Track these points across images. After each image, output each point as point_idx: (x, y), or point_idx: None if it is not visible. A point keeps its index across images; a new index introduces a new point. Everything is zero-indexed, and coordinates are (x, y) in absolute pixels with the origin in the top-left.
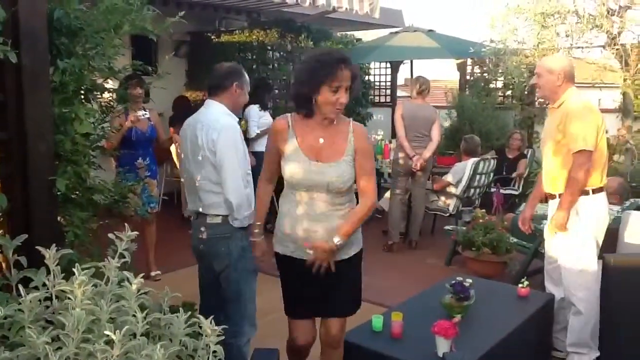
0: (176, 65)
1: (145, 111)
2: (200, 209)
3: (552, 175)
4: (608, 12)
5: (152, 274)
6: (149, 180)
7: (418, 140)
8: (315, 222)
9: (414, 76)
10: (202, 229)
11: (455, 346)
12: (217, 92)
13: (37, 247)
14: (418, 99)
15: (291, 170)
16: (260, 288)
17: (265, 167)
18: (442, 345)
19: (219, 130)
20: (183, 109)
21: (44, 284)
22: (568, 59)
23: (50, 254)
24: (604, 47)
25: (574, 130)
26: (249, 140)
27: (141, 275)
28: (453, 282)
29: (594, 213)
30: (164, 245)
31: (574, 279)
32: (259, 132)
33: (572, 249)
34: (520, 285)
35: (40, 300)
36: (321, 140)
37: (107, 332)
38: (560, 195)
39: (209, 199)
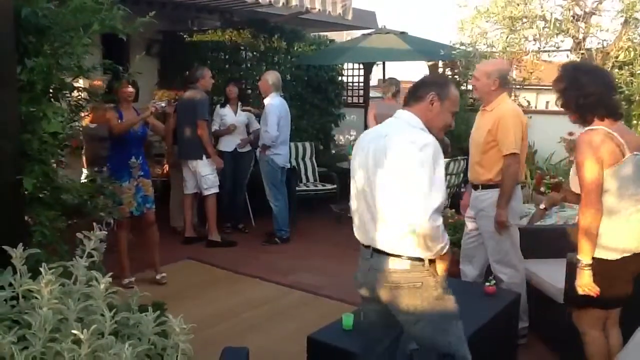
0: (148, 65)
1: (165, 103)
2: None
3: (477, 170)
4: (574, 17)
5: (158, 277)
6: (143, 180)
7: None
8: None
9: (387, 78)
10: None
11: None
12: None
13: (3, 246)
14: (392, 100)
15: None
16: (234, 286)
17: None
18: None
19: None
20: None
21: (10, 284)
22: (505, 65)
23: (17, 254)
24: (570, 51)
25: (506, 135)
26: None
27: (120, 278)
28: None
29: (515, 203)
30: (139, 245)
31: (497, 257)
32: (215, 129)
33: (501, 234)
34: (487, 283)
35: (6, 300)
36: None
37: (74, 331)
38: (482, 186)
39: None
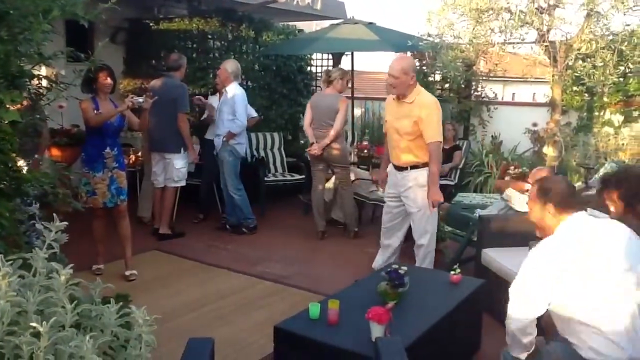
0: (113, 53)
1: (142, 99)
2: None
3: (405, 154)
4: (538, 10)
5: (127, 273)
6: (118, 172)
7: (321, 129)
8: None
9: (350, 68)
10: None
11: (389, 331)
12: None
13: None
14: (328, 88)
15: None
16: (202, 277)
17: None
18: (376, 331)
19: None
20: None
21: None
22: (412, 59)
23: None
24: (534, 43)
25: (432, 126)
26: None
27: (82, 269)
28: (389, 269)
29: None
30: (110, 236)
31: (422, 226)
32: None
33: (423, 206)
34: (452, 272)
35: None
36: None
37: (33, 324)
38: (410, 167)
39: None
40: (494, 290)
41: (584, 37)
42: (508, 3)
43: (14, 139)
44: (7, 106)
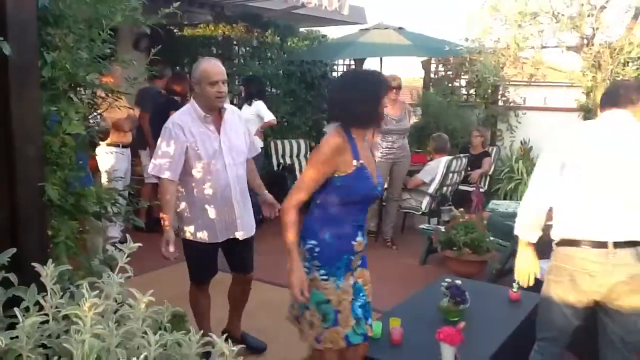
0: (136, 59)
1: None
2: None
3: None
4: (586, 13)
5: None
6: (363, 272)
7: None
8: None
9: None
10: None
11: (459, 353)
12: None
13: (33, 264)
14: None
15: None
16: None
17: None
18: (447, 353)
19: None
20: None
21: (36, 303)
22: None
23: (48, 272)
24: (584, 46)
25: None
26: None
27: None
28: (447, 285)
29: None
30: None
31: None
32: None
33: None
34: (513, 289)
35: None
36: None
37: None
38: None
39: None
40: None
41: (631, 40)
42: (551, 8)
43: (73, 153)
44: (71, 118)
